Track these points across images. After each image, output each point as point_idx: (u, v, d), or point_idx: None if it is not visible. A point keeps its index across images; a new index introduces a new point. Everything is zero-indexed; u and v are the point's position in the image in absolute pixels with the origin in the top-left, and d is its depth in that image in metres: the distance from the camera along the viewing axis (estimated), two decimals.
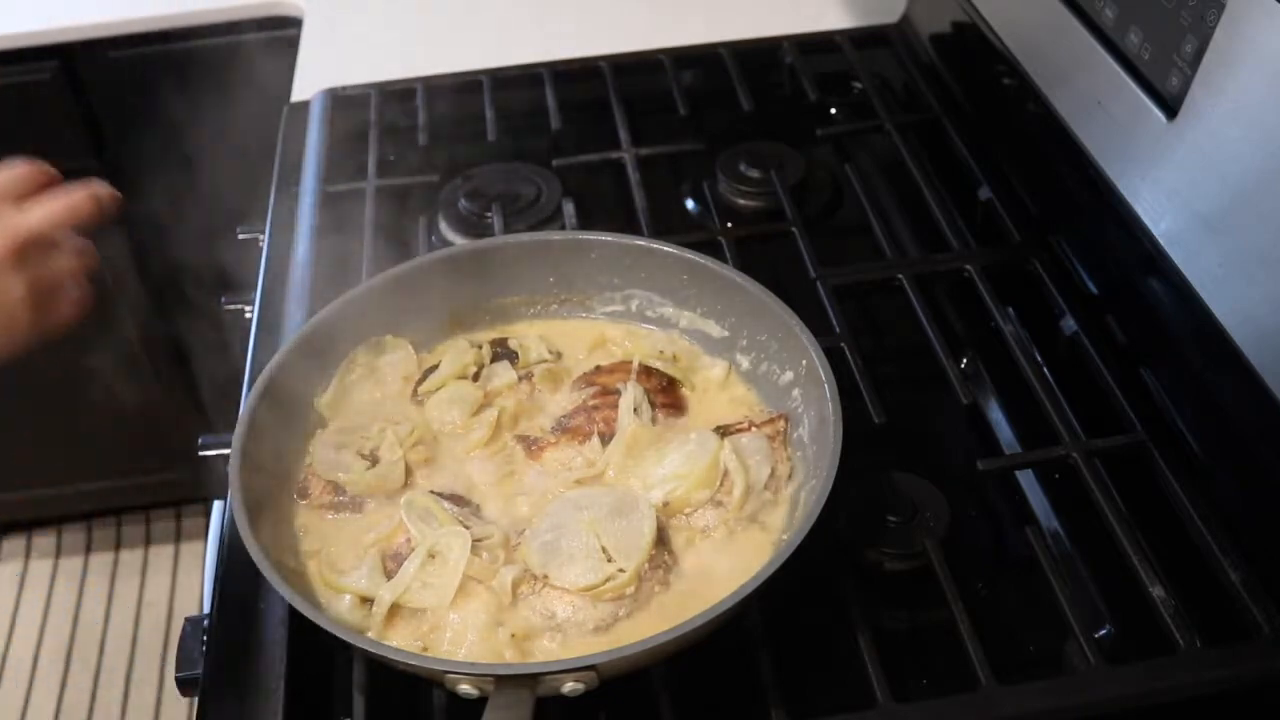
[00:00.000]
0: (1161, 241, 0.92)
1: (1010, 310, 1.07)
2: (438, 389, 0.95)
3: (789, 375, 0.91)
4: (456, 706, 0.76)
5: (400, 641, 0.78)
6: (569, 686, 0.71)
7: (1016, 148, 1.22)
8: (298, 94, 1.49)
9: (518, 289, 1.02)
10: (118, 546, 2.58)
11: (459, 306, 1.01)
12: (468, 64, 1.46)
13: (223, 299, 1.25)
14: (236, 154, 1.38)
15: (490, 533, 0.83)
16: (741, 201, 1.26)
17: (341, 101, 1.40)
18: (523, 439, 0.91)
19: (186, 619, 0.93)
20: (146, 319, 2.23)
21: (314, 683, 0.84)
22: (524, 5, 1.65)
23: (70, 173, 0.89)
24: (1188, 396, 0.93)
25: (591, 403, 0.92)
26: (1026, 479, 0.96)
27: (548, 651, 0.78)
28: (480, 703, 0.70)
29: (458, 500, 0.86)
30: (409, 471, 0.89)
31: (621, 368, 0.96)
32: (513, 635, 0.78)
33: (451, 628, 0.78)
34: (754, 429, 0.89)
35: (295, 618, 0.83)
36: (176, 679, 0.90)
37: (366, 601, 0.80)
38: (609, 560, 0.80)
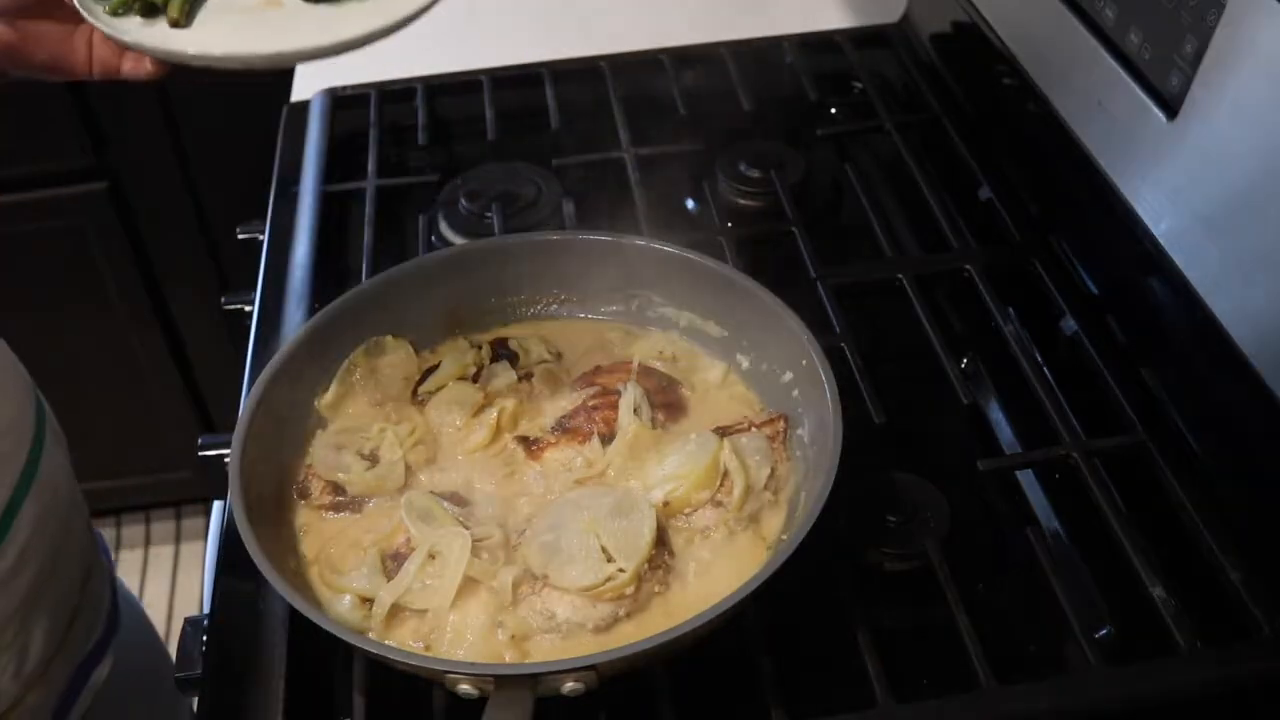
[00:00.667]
0: (1162, 241, 0.92)
1: (1010, 310, 1.07)
2: (438, 389, 0.95)
3: (789, 375, 0.91)
4: (456, 706, 0.76)
5: (401, 642, 0.78)
6: (569, 686, 0.71)
7: (1016, 148, 1.21)
8: (297, 94, 1.49)
9: (518, 289, 1.02)
10: (118, 546, 2.58)
11: (459, 307, 1.00)
12: (468, 64, 1.45)
13: (223, 299, 1.25)
14: (236, 154, 1.37)
15: (490, 533, 0.83)
16: (741, 201, 1.26)
17: (341, 101, 1.40)
18: (523, 439, 0.91)
19: (186, 619, 0.93)
20: (146, 318, 2.23)
21: (314, 683, 0.84)
22: (524, 5, 1.65)
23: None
24: (1188, 396, 0.93)
25: (591, 403, 0.92)
26: (1027, 479, 0.96)
27: (547, 652, 0.78)
28: (480, 703, 0.70)
29: (458, 500, 0.86)
30: (409, 472, 0.89)
31: (621, 368, 0.96)
32: (512, 635, 0.78)
33: (451, 628, 0.78)
34: (754, 429, 0.89)
35: (295, 618, 0.82)
36: (176, 679, 0.90)
37: (367, 601, 0.80)
38: (609, 560, 0.80)
